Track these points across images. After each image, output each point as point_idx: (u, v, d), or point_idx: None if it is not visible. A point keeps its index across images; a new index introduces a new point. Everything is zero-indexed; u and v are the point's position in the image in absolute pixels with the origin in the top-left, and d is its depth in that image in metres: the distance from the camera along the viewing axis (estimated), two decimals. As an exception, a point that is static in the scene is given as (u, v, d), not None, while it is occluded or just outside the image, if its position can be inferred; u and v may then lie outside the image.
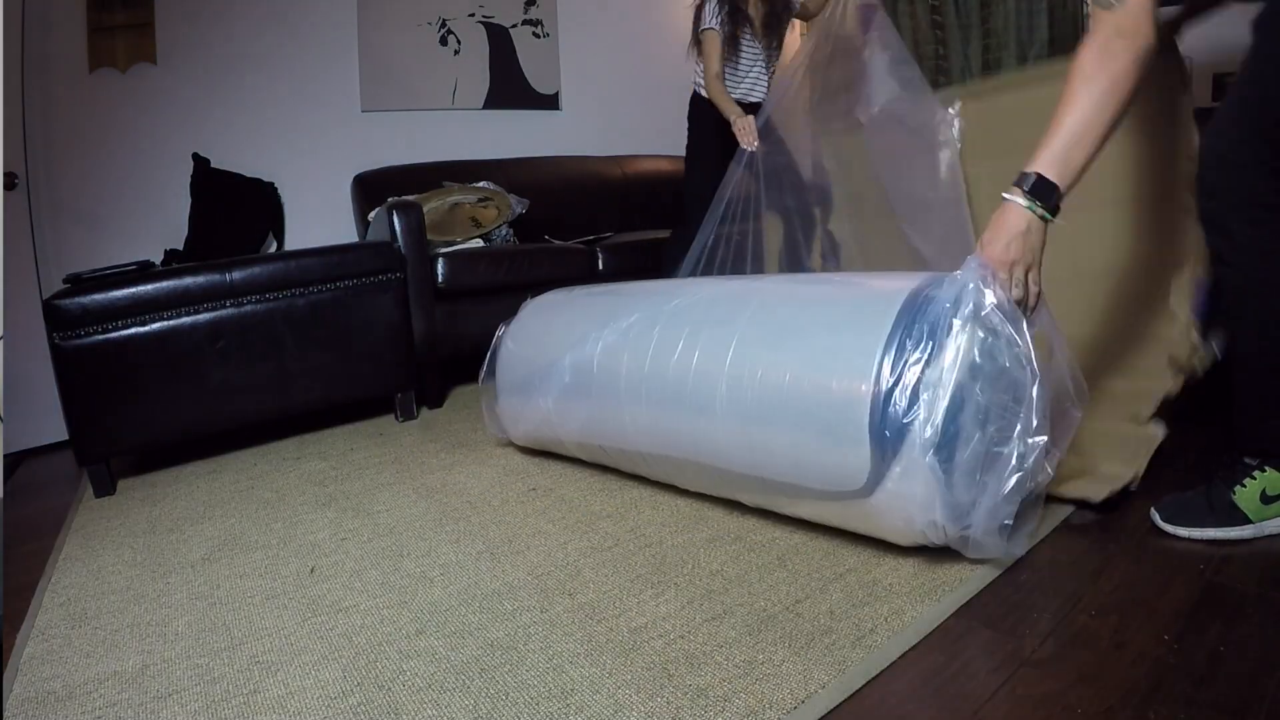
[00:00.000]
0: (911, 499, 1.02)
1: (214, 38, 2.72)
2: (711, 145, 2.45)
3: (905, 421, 1.00)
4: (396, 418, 2.20)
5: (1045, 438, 1.04)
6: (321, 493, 1.66)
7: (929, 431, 0.99)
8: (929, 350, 1.01)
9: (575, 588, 1.14)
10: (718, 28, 2.37)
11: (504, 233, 2.71)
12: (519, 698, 0.89)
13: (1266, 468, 1.11)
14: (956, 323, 1.02)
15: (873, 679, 0.88)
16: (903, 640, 0.94)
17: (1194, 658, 0.85)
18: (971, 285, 1.04)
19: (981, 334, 1.02)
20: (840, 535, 1.23)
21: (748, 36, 2.44)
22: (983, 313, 1.02)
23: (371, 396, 2.16)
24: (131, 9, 2.55)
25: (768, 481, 1.20)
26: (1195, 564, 1.05)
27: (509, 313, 2.46)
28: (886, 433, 1.01)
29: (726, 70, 2.42)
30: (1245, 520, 1.11)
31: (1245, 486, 1.11)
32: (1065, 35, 3.26)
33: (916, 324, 1.04)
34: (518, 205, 2.75)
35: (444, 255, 2.33)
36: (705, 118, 2.47)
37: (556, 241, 2.78)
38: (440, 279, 2.30)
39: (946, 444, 1.00)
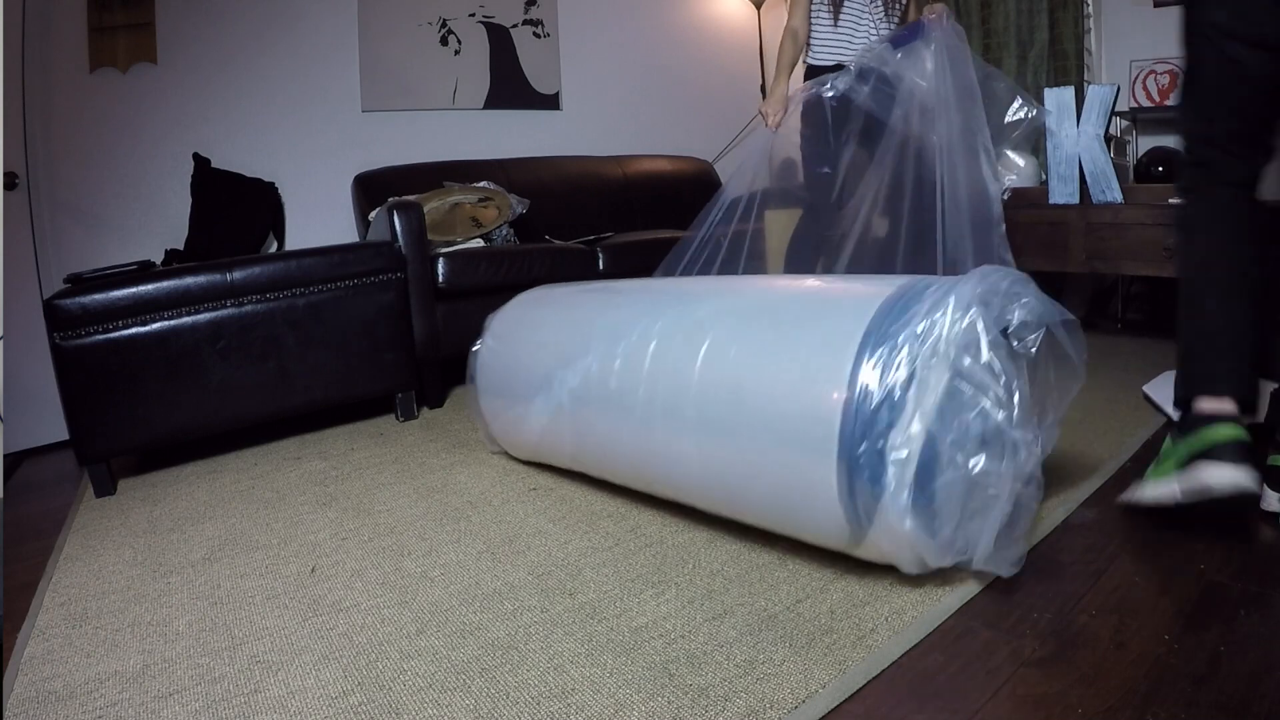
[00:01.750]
0: (897, 552, 1.00)
1: (214, 38, 2.72)
2: (820, 125, 2.10)
3: (875, 489, 0.94)
4: (397, 417, 2.20)
5: (1037, 475, 1.00)
6: (322, 492, 1.66)
7: (903, 497, 0.93)
8: (895, 415, 0.94)
9: (576, 587, 1.14)
10: None
11: (504, 233, 2.71)
12: (520, 697, 0.89)
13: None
14: (921, 376, 0.94)
15: (873, 679, 0.88)
16: (903, 640, 0.94)
17: (1194, 658, 0.85)
18: (943, 314, 0.96)
19: (951, 375, 0.95)
20: (840, 535, 1.23)
21: None
22: (955, 353, 0.95)
23: (372, 396, 2.16)
24: (131, 9, 2.55)
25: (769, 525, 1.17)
26: (1195, 564, 1.05)
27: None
28: (858, 506, 0.96)
29: (824, 30, 2.10)
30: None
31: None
32: (1065, 35, 3.26)
33: (874, 413, 0.95)
34: (518, 205, 2.75)
35: (444, 255, 2.33)
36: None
37: (557, 241, 2.78)
38: (441, 279, 2.30)
39: (924, 501, 0.95)
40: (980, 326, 0.96)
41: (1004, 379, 0.96)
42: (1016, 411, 0.97)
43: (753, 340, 1.12)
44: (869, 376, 0.95)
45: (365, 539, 1.39)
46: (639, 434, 1.25)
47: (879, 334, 0.97)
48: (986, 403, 0.96)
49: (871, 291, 1.06)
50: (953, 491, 0.96)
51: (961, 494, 0.96)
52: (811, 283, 1.28)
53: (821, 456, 0.97)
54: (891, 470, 0.93)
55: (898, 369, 0.94)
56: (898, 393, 0.93)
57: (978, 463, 0.96)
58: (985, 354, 0.95)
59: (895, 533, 0.96)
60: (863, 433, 0.94)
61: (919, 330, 0.95)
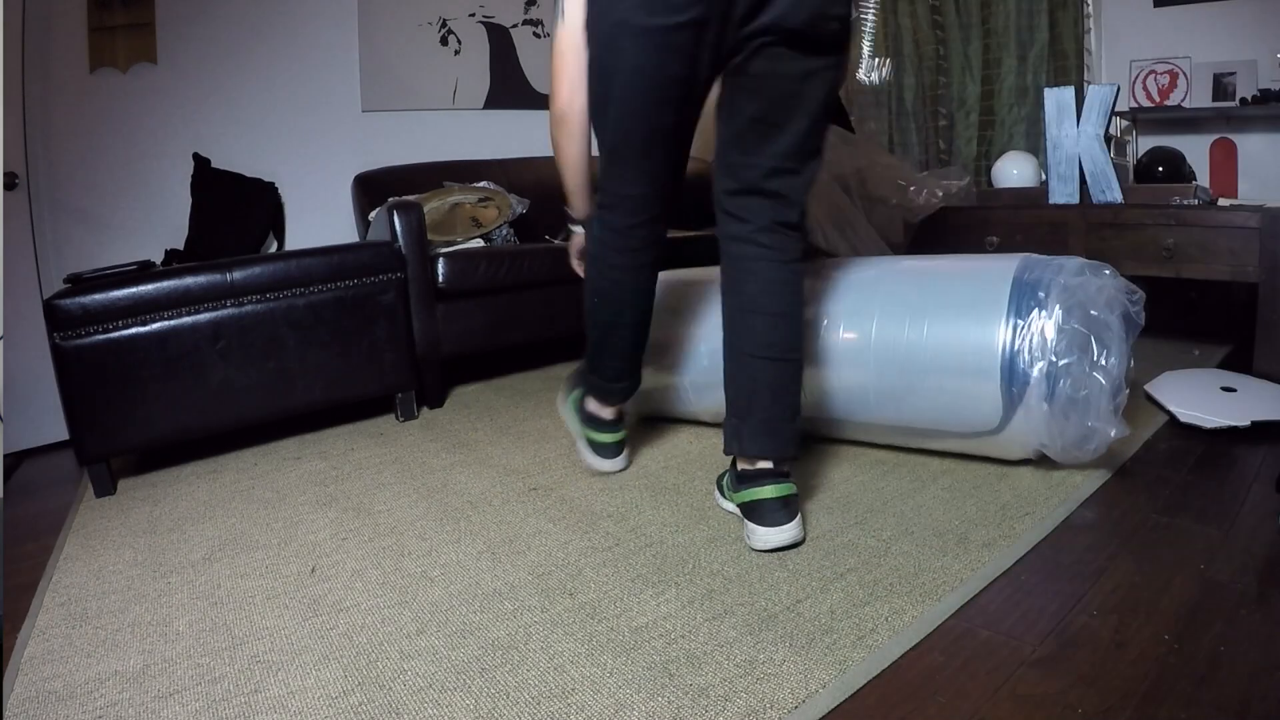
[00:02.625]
0: (1033, 434, 1.35)
1: (214, 37, 2.72)
2: None
3: (1024, 382, 1.33)
4: (397, 417, 2.20)
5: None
6: (322, 492, 1.66)
7: (1041, 388, 1.31)
8: (1037, 318, 1.33)
9: (576, 587, 1.14)
10: None
11: (504, 232, 2.71)
12: (520, 697, 0.89)
13: None
14: (1056, 290, 1.33)
15: (873, 679, 0.88)
16: (903, 640, 0.94)
17: (1194, 658, 0.85)
18: (1069, 265, 1.37)
19: (1075, 303, 1.32)
20: (840, 535, 1.23)
21: None
22: (1076, 285, 1.33)
23: (372, 396, 2.16)
24: (131, 9, 2.55)
25: (916, 430, 1.52)
26: (1195, 563, 1.06)
27: (510, 312, 2.46)
28: (1012, 394, 1.34)
29: None
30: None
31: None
32: (1065, 35, 3.26)
33: (1025, 298, 1.35)
34: (518, 205, 2.75)
35: (444, 255, 2.33)
36: None
37: (557, 241, 2.78)
38: (440, 279, 2.30)
39: (1054, 393, 1.32)
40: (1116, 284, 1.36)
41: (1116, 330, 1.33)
42: (1115, 356, 1.32)
43: (926, 310, 1.48)
44: (1015, 324, 1.36)
45: (365, 539, 1.39)
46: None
47: (1019, 297, 1.37)
48: (1094, 343, 1.33)
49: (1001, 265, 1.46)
50: (1073, 397, 1.32)
51: (1079, 398, 1.32)
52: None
53: (988, 374, 1.37)
54: (1034, 376, 1.33)
55: (1037, 319, 1.34)
56: (1037, 332, 1.34)
57: (1083, 380, 1.32)
58: (1101, 311, 1.34)
59: (1034, 414, 1.33)
60: (1013, 355, 1.34)
61: (1057, 288, 1.34)
